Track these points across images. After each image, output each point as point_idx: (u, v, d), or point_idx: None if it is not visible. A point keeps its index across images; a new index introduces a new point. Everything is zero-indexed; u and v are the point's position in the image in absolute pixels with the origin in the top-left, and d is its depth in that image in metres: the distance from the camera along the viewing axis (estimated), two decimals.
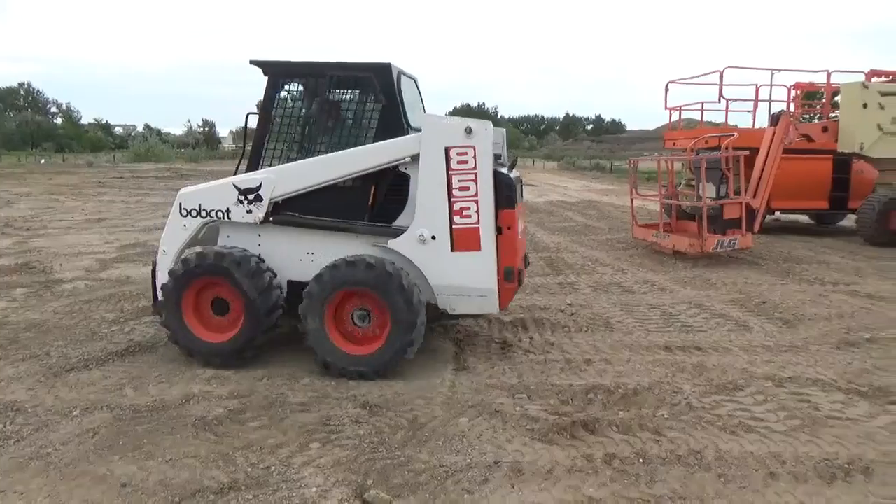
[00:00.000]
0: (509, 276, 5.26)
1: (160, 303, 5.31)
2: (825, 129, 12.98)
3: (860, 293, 8.15)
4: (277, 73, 5.48)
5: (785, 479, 3.59)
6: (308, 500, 3.35)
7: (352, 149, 5.25)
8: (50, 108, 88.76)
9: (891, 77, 13.54)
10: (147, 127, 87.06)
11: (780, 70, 14.22)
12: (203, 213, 5.37)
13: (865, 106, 12.32)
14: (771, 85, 14.19)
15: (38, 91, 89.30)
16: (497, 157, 5.34)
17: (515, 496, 3.40)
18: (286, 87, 5.58)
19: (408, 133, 5.29)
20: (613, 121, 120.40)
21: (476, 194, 5.07)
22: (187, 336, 5.22)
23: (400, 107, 5.31)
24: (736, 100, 14.44)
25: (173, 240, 5.48)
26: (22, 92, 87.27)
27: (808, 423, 4.31)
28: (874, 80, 13.35)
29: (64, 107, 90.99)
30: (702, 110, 14.63)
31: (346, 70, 5.39)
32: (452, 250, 5.12)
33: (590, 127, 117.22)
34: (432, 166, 5.08)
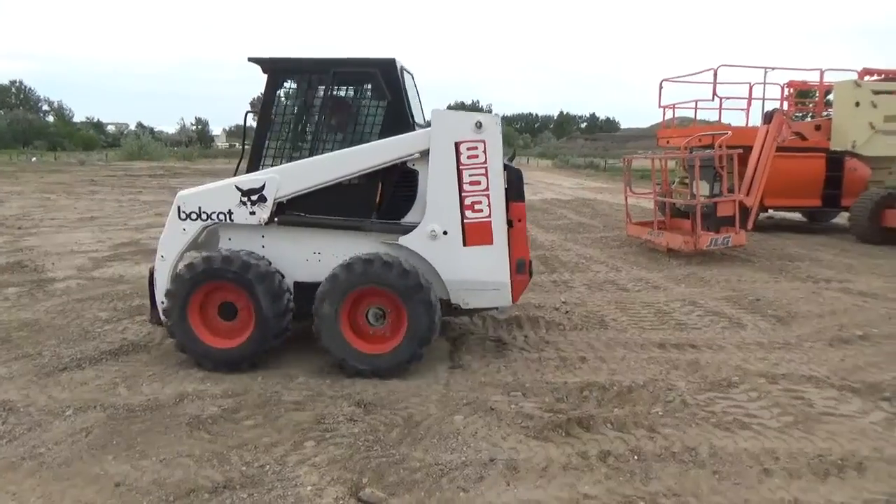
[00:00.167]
0: (521, 269, 5.27)
1: (166, 311, 5.10)
2: (818, 128, 13.06)
3: (853, 290, 8.19)
4: (278, 70, 5.37)
5: (779, 475, 3.60)
6: (303, 498, 3.34)
7: (359, 146, 5.17)
8: (42, 107, 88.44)
9: (883, 75, 13.62)
10: (140, 125, 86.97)
11: (773, 68, 14.29)
12: (203, 216, 5.23)
13: (858, 104, 12.40)
14: (764, 83, 14.27)
15: (30, 89, 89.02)
16: None
17: (511, 494, 3.40)
18: (287, 84, 5.47)
19: (413, 129, 5.25)
20: (608, 119, 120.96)
21: (487, 188, 5.06)
22: (195, 342, 5.07)
23: (405, 102, 5.27)
24: (729, 98, 14.51)
25: (172, 244, 5.30)
26: (13, 90, 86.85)
27: (802, 419, 4.33)
28: (867, 78, 13.43)
29: (56, 105, 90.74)
30: (695, 108, 14.69)
31: (350, 66, 5.31)
32: (465, 245, 5.10)
33: (584, 125, 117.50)
34: (442, 162, 5.05)
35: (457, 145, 5.03)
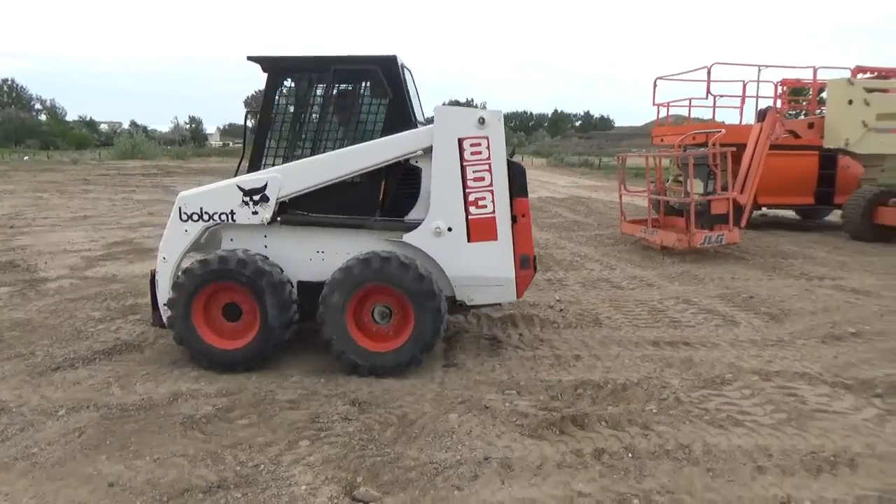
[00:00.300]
0: (526, 264, 5.28)
1: (172, 315, 5.06)
2: (811, 126, 13.09)
3: (845, 288, 8.23)
4: (278, 68, 5.34)
5: (772, 472, 3.62)
6: (297, 498, 3.34)
7: (362, 144, 5.16)
8: (34, 105, 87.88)
9: (876, 73, 13.66)
10: (133, 124, 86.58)
11: (767, 66, 14.34)
12: (205, 217, 5.18)
13: (851, 102, 12.43)
14: (758, 81, 14.30)
15: (22, 87, 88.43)
16: None
17: (505, 492, 3.41)
18: (287, 82, 5.44)
19: (415, 126, 5.24)
20: (602, 117, 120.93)
21: (491, 184, 5.06)
22: (200, 344, 5.04)
23: (407, 100, 5.26)
24: (723, 96, 14.54)
25: (174, 246, 5.24)
26: (6, 88, 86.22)
27: (795, 416, 4.35)
28: (860, 76, 13.47)
29: (48, 103, 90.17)
30: (689, 107, 14.72)
31: (351, 63, 5.29)
32: (469, 241, 5.11)
33: (578, 123, 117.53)
34: (446, 158, 5.05)
35: (460, 142, 5.03)
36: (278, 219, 5.18)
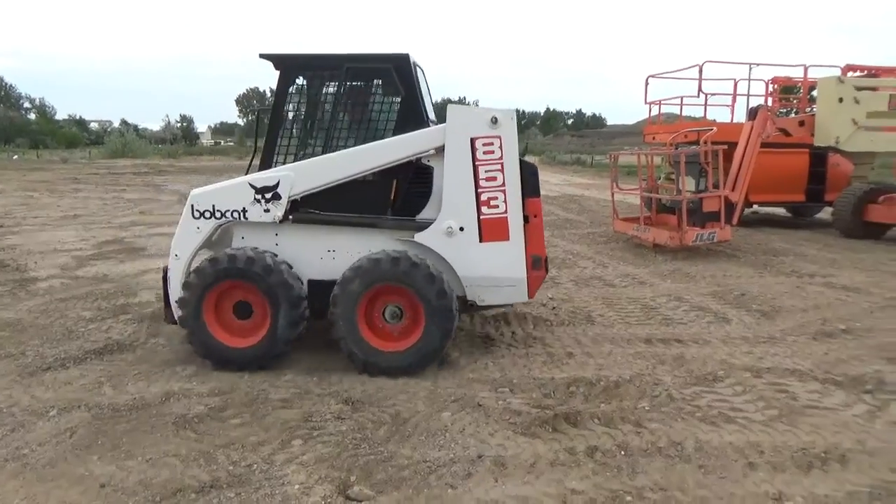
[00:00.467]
0: (537, 264, 5.28)
1: (182, 314, 5.03)
2: (802, 124, 13.17)
3: (836, 285, 8.28)
4: (290, 66, 5.31)
5: (763, 468, 3.64)
6: (291, 497, 3.33)
7: (374, 143, 5.14)
8: (23, 104, 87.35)
9: (866, 72, 13.75)
10: (124, 122, 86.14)
11: (758, 64, 14.39)
12: (217, 214, 5.17)
13: (841, 100, 12.51)
14: (749, 79, 14.35)
15: (11, 86, 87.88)
16: None
17: (499, 490, 3.41)
18: (299, 80, 5.39)
19: (427, 125, 5.22)
20: (594, 115, 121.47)
21: (503, 184, 5.05)
22: (212, 342, 5.01)
23: (420, 98, 5.25)
24: (715, 94, 14.58)
25: (186, 243, 5.22)
26: None
27: (786, 412, 4.37)
28: (850, 74, 13.55)
29: (38, 102, 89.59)
30: (681, 105, 14.76)
31: (364, 61, 5.27)
32: (481, 241, 5.10)
33: (570, 121, 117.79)
34: (458, 158, 5.04)
35: (472, 141, 5.02)
36: (290, 217, 5.17)
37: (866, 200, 12.03)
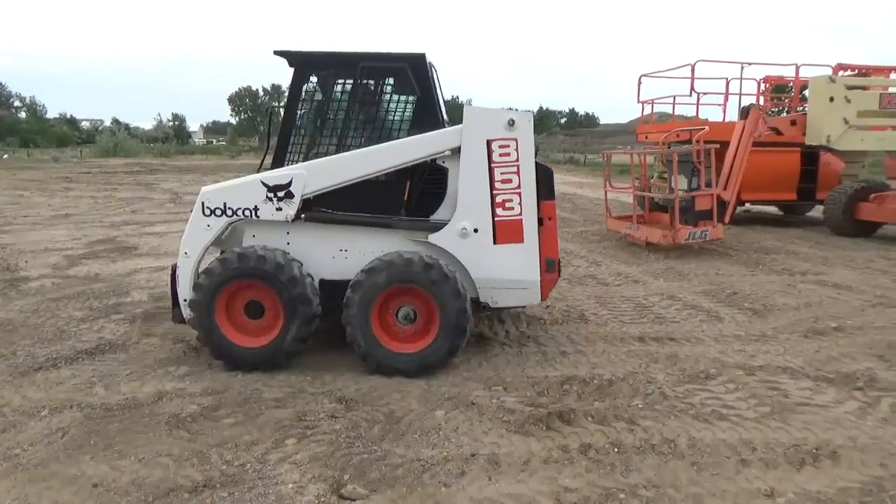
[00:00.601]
0: (551, 267, 5.28)
1: (192, 313, 5.01)
2: (793, 123, 13.21)
3: (827, 283, 8.33)
4: (305, 63, 5.27)
5: (756, 465, 3.66)
6: (284, 496, 3.32)
7: (389, 142, 5.11)
8: (13, 103, 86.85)
9: (857, 71, 13.82)
10: (115, 121, 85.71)
11: (750, 64, 14.45)
12: (228, 212, 5.10)
13: (832, 99, 12.56)
14: (741, 78, 14.41)
15: (1, 84, 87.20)
16: None
17: (492, 488, 3.42)
18: (313, 79, 5.36)
19: (443, 125, 5.20)
20: (587, 114, 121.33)
21: (518, 186, 5.04)
22: (224, 342, 4.97)
23: (435, 98, 5.23)
24: (707, 93, 14.63)
25: (196, 241, 5.13)
26: None
27: (778, 409, 4.40)
28: (841, 73, 13.62)
29: (28, 101, 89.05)
30: (673, 104, 14.83)
31: (379, 60, 5.24)
32: (495, 243, 5.08)
33: (563, 120, 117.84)
34: (474, 159, 5.01)
35: (488, 143, 5.00)
36: (302, 216, 5.12)
37: (857, 199, 12.11)
